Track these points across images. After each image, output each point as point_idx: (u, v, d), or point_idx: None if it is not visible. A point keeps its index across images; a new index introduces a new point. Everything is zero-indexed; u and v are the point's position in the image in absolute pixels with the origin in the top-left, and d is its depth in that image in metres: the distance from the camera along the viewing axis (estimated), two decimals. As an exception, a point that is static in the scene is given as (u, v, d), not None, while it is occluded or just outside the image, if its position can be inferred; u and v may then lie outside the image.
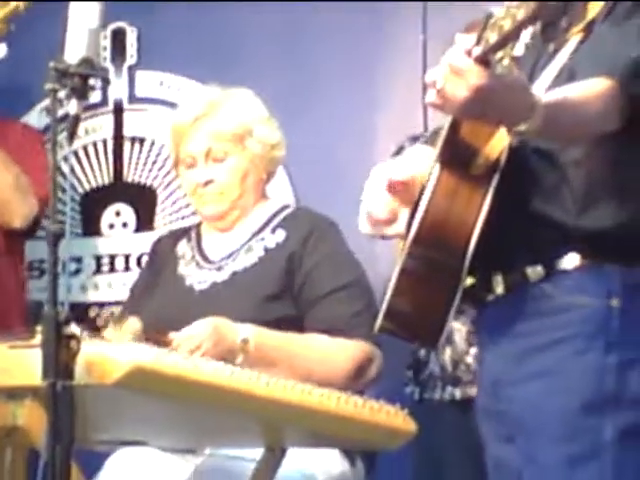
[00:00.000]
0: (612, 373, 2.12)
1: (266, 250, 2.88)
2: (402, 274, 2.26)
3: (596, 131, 2.14)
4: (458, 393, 3.19)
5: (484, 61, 1.91)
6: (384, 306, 2.29)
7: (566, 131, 2.13)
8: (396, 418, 2.31)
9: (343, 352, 2.74)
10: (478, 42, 1.92)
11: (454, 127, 2.22)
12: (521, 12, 1.87)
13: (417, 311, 2.28)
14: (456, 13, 3.53)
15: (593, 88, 2.09)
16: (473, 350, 3.13)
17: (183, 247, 3.01)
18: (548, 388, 2.16)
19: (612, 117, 2.11)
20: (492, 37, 1.90)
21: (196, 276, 2.91)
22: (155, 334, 2.56)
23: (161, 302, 2.89)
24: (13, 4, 3.28)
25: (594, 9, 2.23)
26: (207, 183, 2.92)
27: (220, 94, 2.98)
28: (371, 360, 2.78)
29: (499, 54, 1.94)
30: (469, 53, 1.91)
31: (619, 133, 2.13)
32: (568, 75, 2.16)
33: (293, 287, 2.81)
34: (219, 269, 2.89)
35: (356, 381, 2.73)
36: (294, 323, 2.76)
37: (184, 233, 3.08)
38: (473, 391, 3.08)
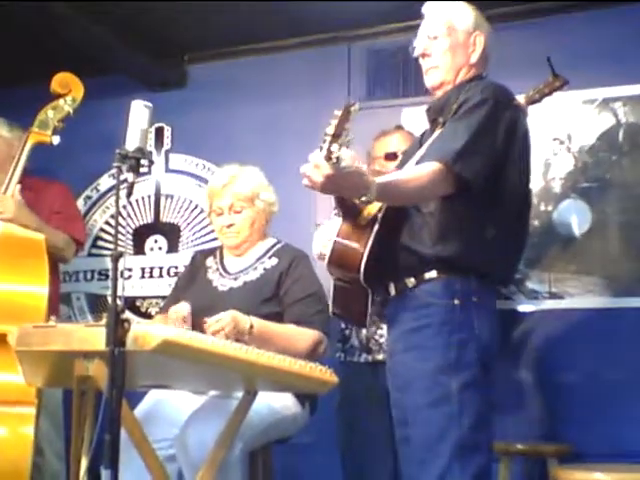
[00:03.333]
0: (454, 348, 2.12)
1: (265, 270, 2.83)
2: (335, 286, 2.32)
3: (423, 197, 2.15)
4: (370, 358, 3.16)
5: (337, 159, 1.94)
6: (330, 303, 2.34)
7: (396, 199, 2.14)
8: (325, 374, 2.28)
9: (306, 336, 2.69)
10: (321, 149, 1.96)
11: (339, 199, 2.25)
12: (331, 128, 1.94)
13: (349, 307, 2.32)
14: (370, 122, 3.56)
15: (423, 169, 2.10)
16: (379, 331, 3.10)
17: (210, 261, 2.95)
18: (416, 357, 2.16)
19: (439, 187, 2.11)
20: (335, 146, 1.93)
21: (219, 281, 2.86)
22: (197, 318, 2.55)
23: (196, 295, 2.81)
24: (66, 110, 3.18)
25: (450, 112, 2.23)
26: (229, 226, 2.88)
27: (238, 169, 2.94)
28: (321, 342, 2.73)
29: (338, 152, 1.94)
30: (322, 155, 1.95)
31: (455, 197, 2.13)
32: (425, 156, 2.19)
33: (279, 294, 2.77)
34: (235, 279, 2.84)
35: (312, 354, 2.67)
36: (278, 316, 2.72)
37: (211, 252, 3.02)
38: (378, 356, 3.11)
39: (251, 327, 2.56)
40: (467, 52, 2.30)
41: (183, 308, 2.64)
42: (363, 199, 2.02)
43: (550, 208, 3.50)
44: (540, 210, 3.50)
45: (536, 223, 3.49)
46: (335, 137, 1.91)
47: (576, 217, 3.46)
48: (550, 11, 3.54)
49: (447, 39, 2.30)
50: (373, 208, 2.22)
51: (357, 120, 3.71)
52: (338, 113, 1.93)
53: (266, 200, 2.93)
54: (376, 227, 2.19)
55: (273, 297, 2.76)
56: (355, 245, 2.20)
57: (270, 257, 2.87)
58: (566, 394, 3.35)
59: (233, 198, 2.88)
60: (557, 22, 3.52)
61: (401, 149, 3.06)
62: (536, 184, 3.50)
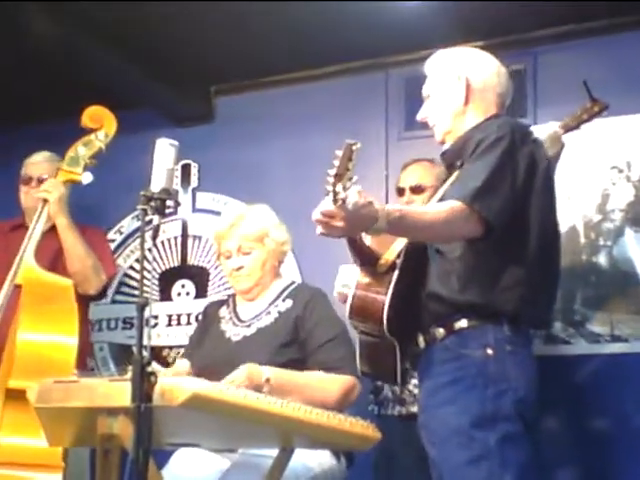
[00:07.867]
0: (490, 401, 2.17)
1: (279, 313, 2.84)
2: (361, 341, 2.36)
3: (438, 234, 2.19)
4: (404, 410, 3.15)
5: (343, 201, 1.97)
6: (357, 361, 2.38)
7: (409, 230, 2.16)
8: (368, 429, 2.30)
9: (334, 383, 2.67)
10: (328, 193, 1.99)
11: (352, 246, 2.30)
12: (334, 169, 1.96)
13: (378, 363, 2.36)
14: (409, 154, 3.57)
15: (442, 205, 2.16)
16: (413, 381, 3.01)
17: (224, 311, 2.97)
18: (450, 412, 2.20)
19: (457, 226, 2.15)
20: (339, 187, 1.96)
21: (233, 331, 2.87)
22: (213, 373, 2.48)
23: (210, 348, 2.85)
24: (98, 146, 3.21)
25: (468, 153, 2.30)
26: (239, 268, 2.90)
27: (245, 209, 2.98)
28: (353, 388, 2.71)
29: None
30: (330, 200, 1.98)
31: (479, 239, 2.18)
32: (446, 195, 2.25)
33: (299, 339, 2.76)
34: (248, 326, 2.85)
35: (343, 403, 2.66)
36: (299, 363, 2.71)
37: (224, 302, 3.05)
38: (412, 408, 3.07)
39: (267, 380, 2.54)
40: (459, 95, 2.40)
41: (182, 367, 2.63)
42: (372, 228, 2.05)
43: (610, 243, 3.47)
44: (599, 245, 3.46)
45: (594, 260, 3.45)
46: (339, 177, 1.95)
47: (638, 252, 3.42)
48: (596, 32, 3.53)
49: (435, 92, 2.44)
50: (391, 254, 2.28)
51: (395, 152, 3.81)
52: (339, 153, 1.97)
53: (277, 239, 2.94)
54: (396, 274, 2.25)
55: (291, 342, 2.75)
56: (375, 295, 2.25)
57: (284, 299, 2.87)
58: (633, 446, 3.29)
59: (241, 239, 2.90)
60: (609, 42, 3.51)
61: (426, 181, 3.13)
62: (593, 217, 3.48)
